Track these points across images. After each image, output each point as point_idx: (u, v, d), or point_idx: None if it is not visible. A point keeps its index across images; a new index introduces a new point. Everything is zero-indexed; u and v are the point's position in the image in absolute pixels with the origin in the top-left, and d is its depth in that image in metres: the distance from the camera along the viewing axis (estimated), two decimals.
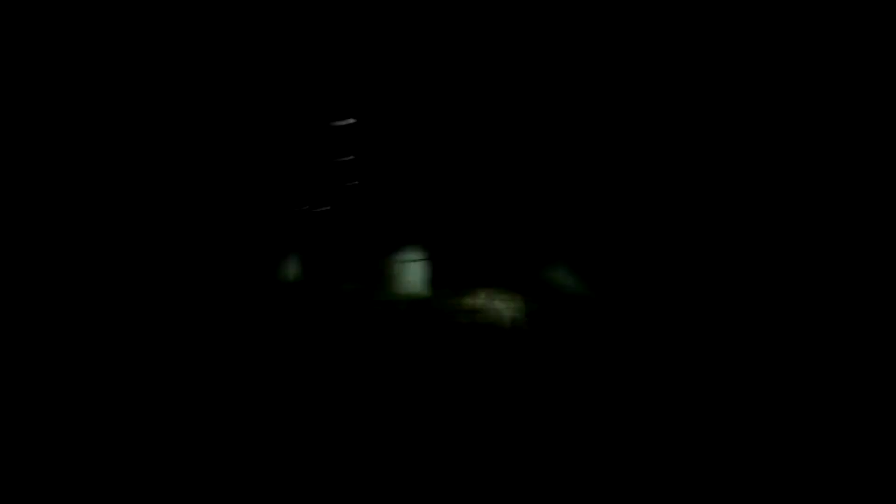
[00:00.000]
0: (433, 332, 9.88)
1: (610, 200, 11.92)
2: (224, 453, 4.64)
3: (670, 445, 5.01)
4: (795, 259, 6.49)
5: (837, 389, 5.82)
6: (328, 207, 15.54)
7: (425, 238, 13.68)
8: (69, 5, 10.60)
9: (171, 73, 11.17)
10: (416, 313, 11.60)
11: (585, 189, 12.84)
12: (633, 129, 10.65)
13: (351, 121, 12.93)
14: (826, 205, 5.84)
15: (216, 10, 11.33)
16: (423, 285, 14.26)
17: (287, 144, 12.86)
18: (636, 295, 10.76)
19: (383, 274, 15.40)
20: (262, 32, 11.32)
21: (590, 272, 13.42)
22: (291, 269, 15.37)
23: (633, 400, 6.16)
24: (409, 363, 7.73)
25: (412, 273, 14.36)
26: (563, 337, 9.38)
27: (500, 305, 10.61)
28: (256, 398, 6.04)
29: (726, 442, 5.04)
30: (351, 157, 13.88)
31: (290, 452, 4.71)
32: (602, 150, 12.00)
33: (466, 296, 11.54)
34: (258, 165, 12.60)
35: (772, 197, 6.68)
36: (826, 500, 4.16)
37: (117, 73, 10.72)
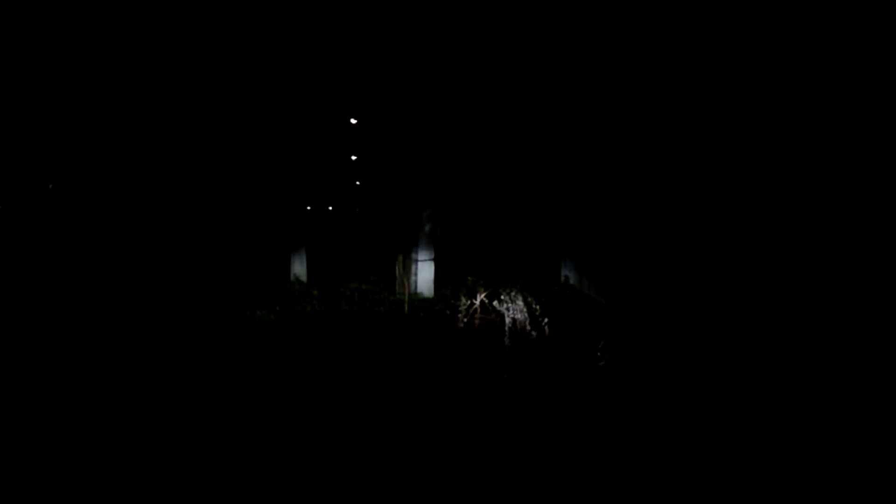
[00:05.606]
0: (437, 334, 9.84)
1: (614, 200, 11.74)
2: (227, 451, 4.66)
3: (676, 448, 4.90)
4: (796, 260, 6.30)
5: (840, 394, 5.64)
6: (331, 208, 15.64)
7: (431, 237, 13.60)
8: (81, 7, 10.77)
9: (173, 74, 11.26)
10: (421, 314, 11.57)
11: (591, 189, 12.65)
12: (638, 130, 10.47)
13: (353, 121, 12.95)
14: (832, 213, 5.64)
15: (230, 13, 11.39)
16: (430, 286, 14.19)
17: (291, 145, 12.92)
18: (643, 295, 10.58)
19: (391, 273, 15.36)
20: (265, 33, 11.36)
21: (595, 272, 13.24)
22: (297, 268, 15.42)
23: (638, 402, 6.05)
24: (413, 364, 7.71)
25: (420, 273, 14.29)
26: (566, 337, 9.26)
27: (502, 307, 10.47)
28: (257, 398, 6.06)
29: (730, 443, 4.92)
30: (354, 158, 13.92)
31: (289, 451, 4.72)
32: (607, 150, 11.82)
33: (469, 296, 11.41)
34: (264, 166, 12.67)
35: (779, 200, 6.49)
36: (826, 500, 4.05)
37: (119, 75, 10.84)
